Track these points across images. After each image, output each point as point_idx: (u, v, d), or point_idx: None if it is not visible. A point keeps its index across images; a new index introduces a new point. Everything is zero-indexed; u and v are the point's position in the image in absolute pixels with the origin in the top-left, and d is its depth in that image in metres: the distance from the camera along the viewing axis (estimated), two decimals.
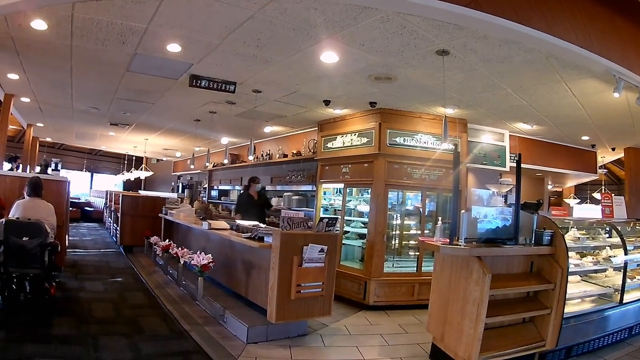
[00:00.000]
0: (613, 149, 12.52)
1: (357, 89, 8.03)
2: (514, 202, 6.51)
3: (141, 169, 22.45)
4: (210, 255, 7.75)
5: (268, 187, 15.22)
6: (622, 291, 7.08)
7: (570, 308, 6.38)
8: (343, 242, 10.04)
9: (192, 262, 7.89)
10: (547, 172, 12.42)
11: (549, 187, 15.20)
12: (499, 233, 6.18)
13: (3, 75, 8.87)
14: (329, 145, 10.62)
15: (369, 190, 9.54)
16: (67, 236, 10.70)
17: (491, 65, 6.27)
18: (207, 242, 9.50)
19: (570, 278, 6.23)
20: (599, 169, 13.60)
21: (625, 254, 7.14)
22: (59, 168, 11.51)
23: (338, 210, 10.67)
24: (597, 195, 15.71)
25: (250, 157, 10.98)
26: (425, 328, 6.62)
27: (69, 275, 9.84)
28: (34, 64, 7.93)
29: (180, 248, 9.00)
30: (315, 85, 8.01)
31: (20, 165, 13.67)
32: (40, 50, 6.98)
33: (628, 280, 7.18)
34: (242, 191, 11.06)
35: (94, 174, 32.80)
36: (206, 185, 21.44)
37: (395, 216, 9.90)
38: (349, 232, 10.36)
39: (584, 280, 7.29)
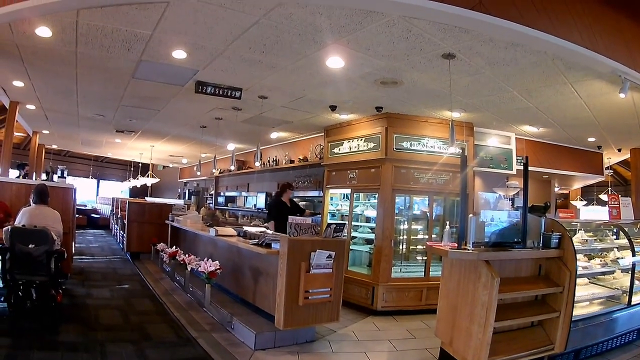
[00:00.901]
0: (619, 150, 12.49)
1: (363, 93, 8.01)
2: (522, 205, 6.50)
3: (147, 176, 22.49)
4: (217, 262, 7.74)
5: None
6: (630, 293, 7.05)
7: (579, 311, 6.35)
8: (350, 247, 10.03)
9: (199, 268, 7.88)
10: (554, 174, 12.39)
11: (556, 189, 15.16)
12: (507, 237, 6.17)
13: (8, 83, 8.90)
14: (336, 150, 10.61)
15: (376, 196, 9.52)
16: (73, 243, 10.72)
17: (497, 68, 6.25)
18: (214, 248, 9.49)
19: (578, 280, 6.22)
20: (605, 170, 13.55)
21: (633, 255, 7.12)
22: (65, 175, 11.54)
23: (345, 215, 10.65)
24: (603, 197, 15.66)
25: (257, 163, 10.98)
26: (433, 333, 6.58)
27: (76, 282, 9.85)
28: (39, 71, 7.95)
29: (187, 255, 8.99)
30: (321, 90, 8.01)
31: (28, 173, 13.69)
32: (45, 57, 7.00)
33: (636, 282, 7.15)
34: (274, 198, 10.92)
35: (100, 180, 32.88)
36: (213, 192, 21.48)
37: (402, 221, 9.86)
38: (356, 237, 10.35)
39: (592, 283, 7.27)
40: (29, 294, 6.63)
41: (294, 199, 12.77)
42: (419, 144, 9.32)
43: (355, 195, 10.23)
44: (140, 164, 24.45)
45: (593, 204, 17.37)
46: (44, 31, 5.82)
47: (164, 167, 29.50)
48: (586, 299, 6.73)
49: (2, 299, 6.68)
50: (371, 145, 9.55)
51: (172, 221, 12.14)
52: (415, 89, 7.56)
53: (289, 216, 7.10)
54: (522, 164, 7.45)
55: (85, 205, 27.83)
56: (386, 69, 6.62)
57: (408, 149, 9.24)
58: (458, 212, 7.77)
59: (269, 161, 14.89)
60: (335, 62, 6.40)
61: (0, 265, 6.62)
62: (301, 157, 12.89)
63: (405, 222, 9.92)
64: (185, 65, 7.04)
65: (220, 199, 20.60)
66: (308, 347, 6.81)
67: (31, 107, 11.33)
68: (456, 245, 5.98)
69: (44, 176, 14.22)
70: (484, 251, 5.78)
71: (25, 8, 4.81)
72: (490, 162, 10.23)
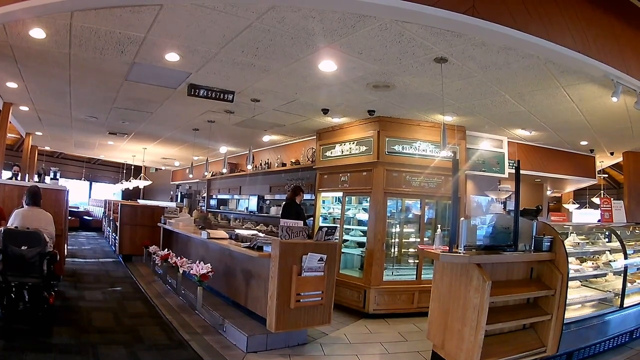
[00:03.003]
0: (612, 154, 12.54)
1: (356, 97, 8.03)
2: (513, 208, 6.52)
3: (140, 178, 22.41)
4: (209, 264, 7.71)
5: (267, 196, 15.28)
6: (623, 295, 7.07)
7: (571, 313, 6.37)
8: (342, 250, 10.04)
9: (191, 271, 7.86)
10: (546, 177, 12.42)
11: (548, 192, 15.21)
12: (499, 240, 6.19)
13: (2, 84, 8.86)
14: (328, 154, 10.62)
15: (368, 199, 9.52)
16: (66, 245, 10.68)
17: (489, 72, 6.28)
18: (206, 251, 9.48)
19: (570, 283, 6.23)
20: (598, 173, 13.61)
21: (625, 258, 7.14)
22: (57, 177, 11.47)
23: (337, 218, 10.66)
24: (596, 200, 15.71)
25: (249, 166, 10.98)
26: (425, 336, 6.60)
27: (68, 284, 9.81)
28: (33, 73, 7.93)
29: (179, 257, 8.96)
30: (313, 94, 8.02)
31: (18, 174, 13.63)
32: (39, 58, 6.98)
33: (628, 285, 7.18)
34: (287, 200, 10.94)
35: (93, 182, 32.82)
36: (205, 195, 21.46)
37: (394, 224, 9.88)
38: (348, 240, 10.35)
39: (584, 285, 7.29)
40: (21, 295, 6.60)
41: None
42: (411, 147, 9.34)
43: (347, 199, 10.24)
44: (132, 166, 24.40)
45: (586, 207, 17.43)
46: (38, 33, 5.81)
47: (156, 169, 29.47)
48: (578, 301, 6.76)
49: None
50: (363, 148, 9.57)
51: (165, 224, 12.10)
52: (407, 93, 7.57)
53: (280, 219, 7.12)
54: (514, 167, 7.48)
55: (78, 208, 27.74)
56: (378, 72, 6.64)
57: (400, 153, 9.27)
58: (450, 216, 7.79)
59: (261, 164, 14.90)
60: (327, 65, 6.42)
61: None
62: (293, 160, 12.89)
63: (397, 226, 9.94)
64: (178, 68, 7.04)
65: (213, 202, 20.58)
66: (300, 350, 6.81)
67: (24, 108, 11.30)
68: (448, 248, 6.02)
69: (36, 178, 14.18)
70: (476, 254, 5.79)
71: (19, 9, 4.79)
72: (483, 165, 10.26)
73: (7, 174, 12.94)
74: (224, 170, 13.55)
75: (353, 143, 9.86)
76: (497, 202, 7.45)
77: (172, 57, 6.51)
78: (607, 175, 19.04)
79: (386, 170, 9.22)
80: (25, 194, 7.61)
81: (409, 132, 9.42)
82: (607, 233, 7.76)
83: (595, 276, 7.31)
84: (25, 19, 5.40)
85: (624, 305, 7.08)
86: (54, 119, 12.80)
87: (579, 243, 6.99)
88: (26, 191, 7.65)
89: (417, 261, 9.49)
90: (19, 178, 13.40)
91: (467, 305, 5.67)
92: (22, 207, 7.56)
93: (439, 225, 8.75)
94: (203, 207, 20.68)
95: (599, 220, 7.92)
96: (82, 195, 31.02)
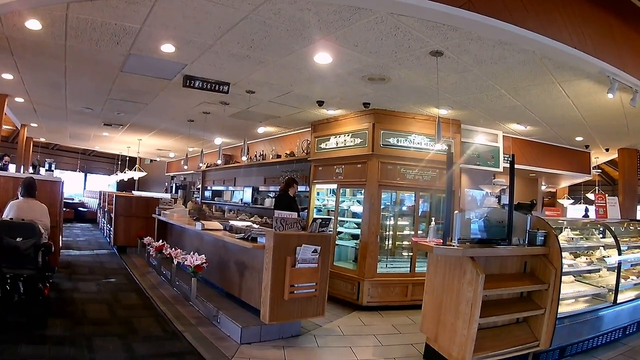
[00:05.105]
0: (607, 150, 12.57)
1: (351, 89, 8.03)
2: (508, 202, 6.53)
3: (135, 170, 22.38)
4: (203, 255, 7.73)
5: (261, 188, 15.30)
6: (616, 291, 7.10)
7: (564, 308, 6.39)
8: (336, 242, 10.05)
9: (185, 262, 7.87)
10: (541, 172, 12.46)
11: (543, 187, 15.24)
12: (493, 233, 6.20)
13: None
14: (323, 145, 10.63)
15: (363, 191, 9.54)
16: (60, 237, 10.68)
17: (485, 66, 6.28)
18: (201, 242, 9.49)
19: (564, 278, 6.26)
20: (593, 169, 13.63)
21: (619, 254, 7.17)
22: (52, 168, 11.44)
23: (331, 210, 10.66)
24: (590, 196, 15.76)
25: (244, 158, 10.95)
26: (419, 328, 6.62)
27: (63, 276, 9.81)
28: (28, 64, 7.91)
29: (173, 249, 8.97)
30: (308, 86, 8.01)
31: (8, 164, 13.56)
32: (34, 50, 6.96)
33: (622, 280, 7.20)
34: (280, 192, 10.95)
35: (88, 174, 32.75)
36: (200, 186, 21.45)
37: (388, 217, 9.91)
38: (342, 232, 10.36)
39: (577, 281, 7.31)
40: (16, 287, 6.58)
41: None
42: (406, 140, 9.34)
43: (341, 191, 10.23)
44: (127, 158, 24.33)
45: (580, 203, 17.49)
46: (33, 24, 5.79)
47: (151, 160, 29.40)
48: (572, 296, 6.78)
49: None
50: (358, 140, 9.56)
51: (159, 215, 12.11)
52: (402, 86, 7.57)
53: (275, 210, 7.12)
54: (509, 161, 7.49)
55: (73, 199, 27.68)
56: (374, 65, 6.63)
57: (395, 145, 9.27)
58: (444, 209, 7.80)
59: (255, 156, 14.91)
60: (323, 57, 6.41)
61: None
62: (288, 152, 12.91)
63: (392, 218, 9.97)
64: (174, 59, 7.03)
65: (207, 193, 20.57)
66: (293, 342, 6.83)
67: (20, 100, 11.28)
68: (441, 241, 6.02)
69: (30, 169, 14.15)
70: (469, 247, 5.81)
71: (15, 1, 4.79)
72: (477, 159, 10.27)
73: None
74: (219, 162, 13.52)
75: (348, 135, 9.85)
76: (492, 195, 7.47)
77: (167, 48, 6.50)
78: (602, 172, 19.07)
79: (381, 163, 9.22)
80: (20, 186, 7.59)
81: (404, 124, 9.42)
82: (601, 229, 7.79)
83: (589, 271, 7.33)
84: (21, 10, 5.38)
85: (618, 301, 7.11)
86: (49, 110, 12.77)
87: (572, 238, 7.00)
88: (21, 183, 7.62)
89: (411, 254, 9.51)
90: (8, 168, 13.34)
91: (460, 298, 5.69)
92: (17, 198, 7.54)
93: (433, 218, 8.77)
94: (198, 199, 20.69)
95: (583, 215, 7.95)
96: (77, 186, 30.91)
